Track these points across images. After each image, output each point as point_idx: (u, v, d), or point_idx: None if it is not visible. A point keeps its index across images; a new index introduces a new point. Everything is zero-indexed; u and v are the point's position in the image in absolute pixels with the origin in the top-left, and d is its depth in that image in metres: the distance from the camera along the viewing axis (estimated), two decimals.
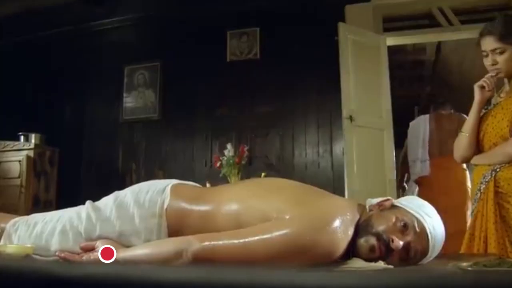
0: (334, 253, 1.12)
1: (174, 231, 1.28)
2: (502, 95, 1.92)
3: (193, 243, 1.13)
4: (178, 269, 0.55)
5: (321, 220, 1.15)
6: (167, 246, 1.18)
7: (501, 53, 1.81)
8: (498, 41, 1.80)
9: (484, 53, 1.86)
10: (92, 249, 1.27)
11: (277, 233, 1.11)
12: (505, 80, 1.91)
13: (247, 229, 1.17)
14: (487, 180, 1.79)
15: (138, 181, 1.53)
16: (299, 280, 0.47)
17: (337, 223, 1.14)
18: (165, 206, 1.32)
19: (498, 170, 1.78)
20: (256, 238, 1.12)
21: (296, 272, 0.49)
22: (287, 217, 1.16)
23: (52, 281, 0.53)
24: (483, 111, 1.96)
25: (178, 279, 0.51)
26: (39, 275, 0.55)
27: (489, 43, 1.82)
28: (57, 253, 1.28)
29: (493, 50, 1.81)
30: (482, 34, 1.86)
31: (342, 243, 1.13)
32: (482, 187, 1.80)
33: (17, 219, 1.43)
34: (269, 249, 1.10)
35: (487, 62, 1.86)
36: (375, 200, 1.27)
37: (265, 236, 1.11)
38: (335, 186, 3.80)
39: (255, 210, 1.23)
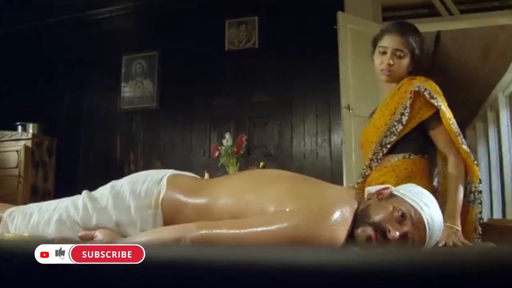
0: (335, 245, 1.12)
1: (170, 222, 1.28)
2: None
3: (192, 231, 1.13)
4: (179, 249, 0.55)
5: (321, 212, 1.14)
6: (166, 233, 1.18)
7: (401, 57, 1.73)
8: (404, 44, 1.73)
9: (381, 49, 1.76)
10: (90, 238, 1.27)
11: (277, 226, 1.11)
12: (387, 85, 1.83)
13: (248, 219, 1.17)
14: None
15: (136, 171, 1.53)
16: (300, 258, 0.47)
17: (336, 215, 1.14)
18: (161, 197, 1.32)
19: (367, 174, 1.75)
20: (256, 229, 1.11)
21: (297, 250, 0.49)
22: (287, 210, 1.16)
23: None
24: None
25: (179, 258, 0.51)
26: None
27: (395, 42, 1.73)
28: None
29: (396, 51, 1.73)
30: (390, 31, 1.76)
31: (342, 235, 1.13)
32: None
33: (13, 208, 1.44)
34: (268, 242, 1.09)
35: (383, 59, 1.75)
36: (374, 188, 1.26)
37: (265, 228, 1.11)
38: (333, 175, 3.80)
39: (252, 204, 1.22)
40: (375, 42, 1.81)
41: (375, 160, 1.71)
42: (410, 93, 1.65)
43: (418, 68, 1.78)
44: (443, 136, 1.62)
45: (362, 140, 1.89)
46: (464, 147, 1.58)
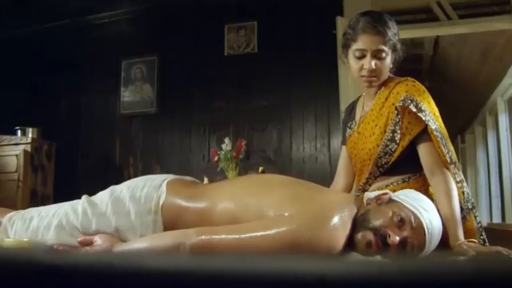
0: (334, 249, 1.12)
1: (170, 228, 1.28)
2: (366, 108, 1.67)
3: (191, 237, 1.13)
4: (172, 258, 0.55)
5: (320, 217, 1.15)
6: (166, 239, 1.18)
7: (382, 58, 1.51)
8: (385, 42, 1.50)
9: (358, 53, 1.52)
10: (90, 243, 1.27)
11: (276, 230, 1.11)
12: (367, 90, 1.63)
13: (247, 224, 1.17)
14: None
15: (135, 175, 1.53)
16: (299, 267, 0.46)
17: (335, 219, 1.14)
18: (161, 203, 1.31)
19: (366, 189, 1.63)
20: (255, 234, 1.11)
21: (295, 259, 0.49)
22: (286, 214, 1.16)
23: (42, 270, 0.53)
24: (348, 130, 1.74)
25: (173, 268, 0.51)
26: (30, 263, 0.55)
27: (374, 43, 1.49)
28: (55, 246, 1.28)
29: (376, 52, 1.50)
30: (365, 30, 1.50)
31: (341, 240, 1.13)
32: None
33: (12, 213, 1.44)
34: (268, 246, 1.10)
35: (363, 63, 1.52)
36: (373, 194, 1.27)
37: (264, 233, 1.11)
38: (332, 180, 3.79)
39: (252, 209, 1.23)
40: (347, 43, 1.58)
41: (373, 178, 1.61)
42: (396, 109, 1.50)
43: (396, 61, 1.60)
44: (432, 152, 1.47)
45: (350, 152, 1.74)
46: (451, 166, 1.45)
